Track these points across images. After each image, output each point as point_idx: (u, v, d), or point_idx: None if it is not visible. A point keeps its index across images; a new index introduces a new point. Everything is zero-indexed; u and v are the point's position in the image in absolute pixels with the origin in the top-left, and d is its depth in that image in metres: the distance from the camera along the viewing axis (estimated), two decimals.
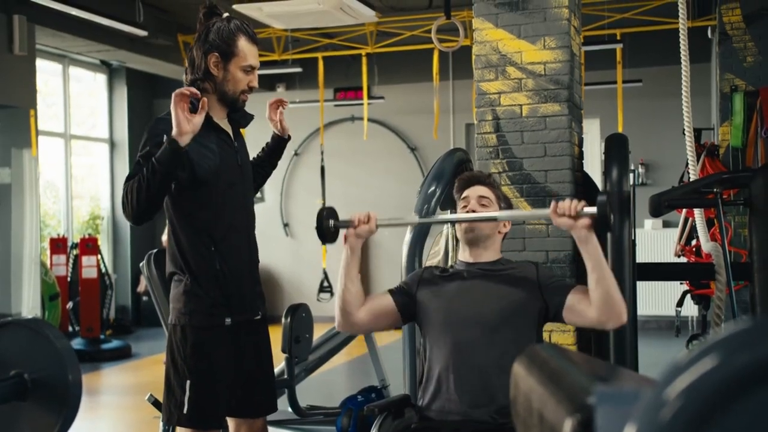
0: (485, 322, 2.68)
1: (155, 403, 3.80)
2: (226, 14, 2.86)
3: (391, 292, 2.86)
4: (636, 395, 0.80)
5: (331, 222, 2.81)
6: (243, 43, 2.79)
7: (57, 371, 3.32)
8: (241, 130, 2.97)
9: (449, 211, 3.73)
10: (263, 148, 3.22)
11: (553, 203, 2.56)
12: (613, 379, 1.12)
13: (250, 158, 3.06)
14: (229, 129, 2.87)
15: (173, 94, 2.58)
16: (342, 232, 2.81)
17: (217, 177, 2.76)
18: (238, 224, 2.84)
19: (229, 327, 2.77)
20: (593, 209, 2.47)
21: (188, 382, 2.71)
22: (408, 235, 3.72)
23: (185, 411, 2.71)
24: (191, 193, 2.74)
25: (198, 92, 2.64)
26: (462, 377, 2.66)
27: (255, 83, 2.84)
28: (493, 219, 2.77)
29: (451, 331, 2.70)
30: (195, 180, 2.72)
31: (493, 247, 2.84)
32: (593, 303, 2.58)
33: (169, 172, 2.59)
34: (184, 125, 2.57)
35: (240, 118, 2.93)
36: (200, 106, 2.60)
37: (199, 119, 2.60)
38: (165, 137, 2.58)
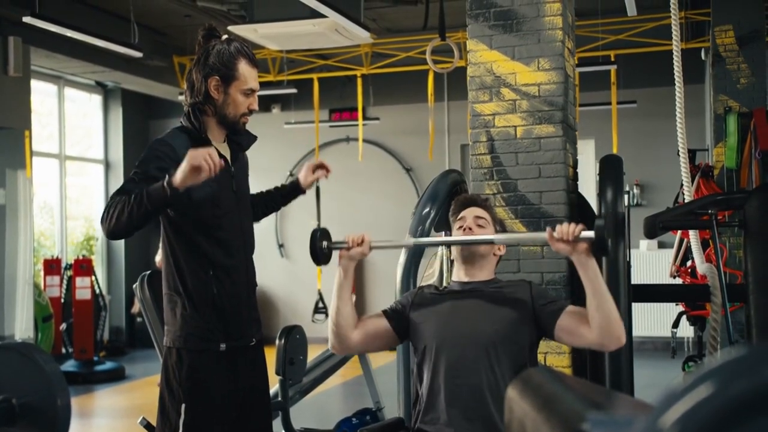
0: (479, 341, 2.66)
1: (148, 427, 3.76)
2: (225, 36, 2.85)
3: (385, 313, 2.84)
4: (630, 422, 0.79)
5: (325, 243, 2.80)
6: (243, 67, 2.76)
7: (46, 396, 3.28)
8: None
9: (443, 232, 3.72)
10: (277, 188, 3.19)
11: (548, 229, 2.55)
12: (607, 405, 1.10)
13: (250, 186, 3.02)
14: (227, 153, 2.84)
15: (204, 158, 2.47)
16: (335, 254, 2.80)
17: (212, 203, 2.73)
18: (236, 249, 2.80)
19: (225, 352, 2.74)
20: (590, 233, 2.46)
21: (183, 405, 2.68)
22: (402, 257, 3.71)
23: None
24: (188, 217, 2.72)
25: (223, 164, 2.56)
26: (455, 397, 2.64)
27: (255, 106, 2.82)
28: (490, 242, 2.77)
29: (444, 350, 2.68)
30: (191, 204, 2.70)
31: (488, 267, 2.84)
32: (593, 327, 2.56)
33: (155, 211, 2.56)
34: (186, 182, 2.50)
35: (242, 140, 2.89)
36: (212, 171, 2.50)
37: (201, 178, 2.51)
38: (167, 177, 2.50)
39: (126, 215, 2.53)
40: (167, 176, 2.53)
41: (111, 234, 2.60)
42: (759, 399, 0.66)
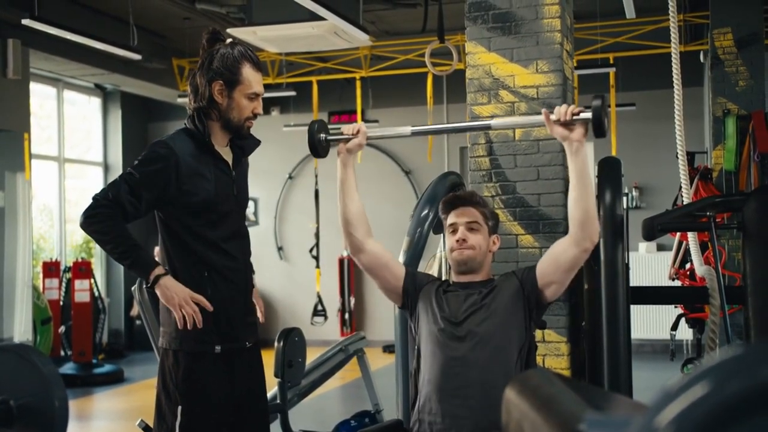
0: (477, 339, 2.67)
1: (146, 429, 3.75)
2: (229, 40, 2.84)
3: (406, 268, 2.93)
4: (626, 423, 0.79)
5: (322, 135, 2.80)
6: (247, 71, 2.75)
7: (43, 397, 3.27)
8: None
9: (442, 234, 3.71)
10: None
11: (545, 110, 2.57)
12: (604, 406, 1.10)
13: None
14: (229, 157, 2.84)
15: (187, 312, 2.62)
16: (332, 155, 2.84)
17: (210, 206, 2.73)
18: (233, 252, 2.80)
19: (220, 354, 2.74)
20: (588, 114, 2.49)
21: (180, 407, 2.68)
22: (401, 258, 3.71)
23: None
24: (185, 220, 2.72)
25: (208, 305, 2.67)
26: (454, 396, 2.64)
27: (259, 110, 2.81)
28: (487, 127, 2.80)
29: (442, 349, 2.69)
30: (188, 208, 2.71)
31: (484, 270, 2.85)
32: (571, 221, 2.62)
33: (127, 269, 2.72)
34: (164, 300, 2.66)
35: (245, 145, 2.89)
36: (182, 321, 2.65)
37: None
38: (156, 271, 2.63)
39: (108, 247, 2.67)
40: (158, 269, 2.65)
41: (84, 231, 2.72)
42: (754, 398, 0.66)
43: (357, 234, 2.84)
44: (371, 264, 2.89)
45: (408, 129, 2.96)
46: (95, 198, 2.67)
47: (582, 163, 2.57)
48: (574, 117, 2.52)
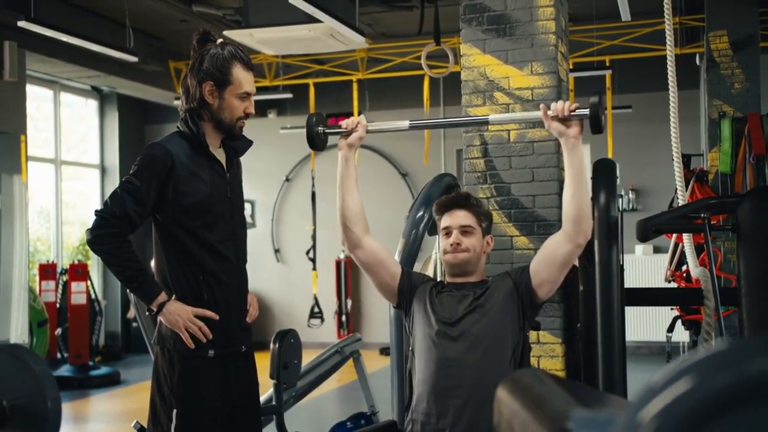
0: (471, 340, 2.67)
1: (141, 430, 3.76)
2: (220, 40, 2.84)
3: (402, 267, 2.93)
4: (613, 419, 0.79)
5: (321, 128, 2.79)
6: (238, 71, 2.75)
7: (36, 398, 3.27)
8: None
9: (437, 235, 3.72)
10: None
11: (543, 106, 2.59)
12: (593, 404, 1.11)
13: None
14: (222, 158, 2.84)
15: (186, 327, 2.67)
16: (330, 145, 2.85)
17: (205, 208, 2.73)
18: (228, 256, 2.79)
19: (214, 358, 2.74)
20: (585, 110, 2.52)
21: (175, 411, 2.67)
22: (396, 259, 3.71)
23: None
24: (180, 223, 2.72)
25: (209, 333, 2.70)
26: (447, 397, 2.64)
27: (251, 109, 2.81)
28: (485, 122, 2.83)
29: (436, 349, 2.69)
30: (185, 209, 2.70)
31: (478, 271, 2.86)
32: (565, 218, 2.65)
33: (131, 291, 2.83)
34: (170, 325, 2.70)
35: (238, 146, 2.89)
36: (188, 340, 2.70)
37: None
38: (159, 299, 2.67)
39: (115, 269, 2.70)
40: (161, 296, 2.68)
41: (91, 249, 2.74)
42: (738, 393, 0.66)
43: (355, 230, 2.84)
44: (368, 261, 2.89)
45: (406, 123, 3.06)
46: (101, 216, 2.66)
47: (578, 160, 2.60)
48: (572, 114, 2.54)
